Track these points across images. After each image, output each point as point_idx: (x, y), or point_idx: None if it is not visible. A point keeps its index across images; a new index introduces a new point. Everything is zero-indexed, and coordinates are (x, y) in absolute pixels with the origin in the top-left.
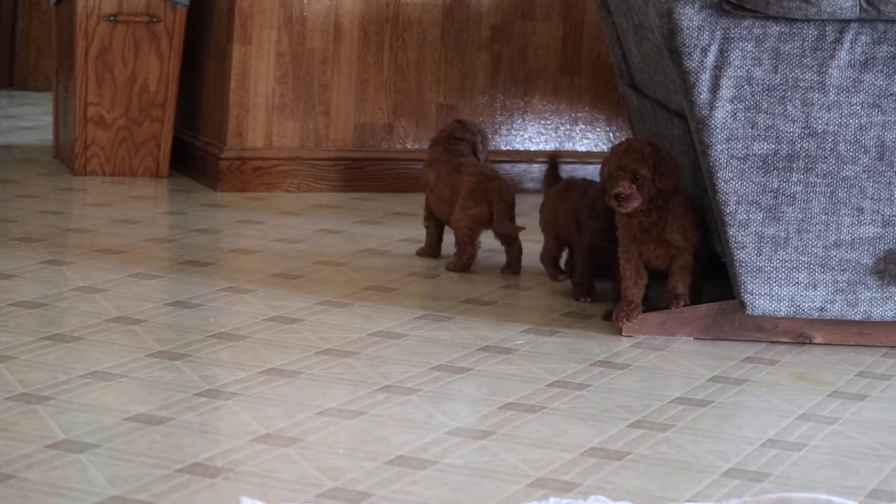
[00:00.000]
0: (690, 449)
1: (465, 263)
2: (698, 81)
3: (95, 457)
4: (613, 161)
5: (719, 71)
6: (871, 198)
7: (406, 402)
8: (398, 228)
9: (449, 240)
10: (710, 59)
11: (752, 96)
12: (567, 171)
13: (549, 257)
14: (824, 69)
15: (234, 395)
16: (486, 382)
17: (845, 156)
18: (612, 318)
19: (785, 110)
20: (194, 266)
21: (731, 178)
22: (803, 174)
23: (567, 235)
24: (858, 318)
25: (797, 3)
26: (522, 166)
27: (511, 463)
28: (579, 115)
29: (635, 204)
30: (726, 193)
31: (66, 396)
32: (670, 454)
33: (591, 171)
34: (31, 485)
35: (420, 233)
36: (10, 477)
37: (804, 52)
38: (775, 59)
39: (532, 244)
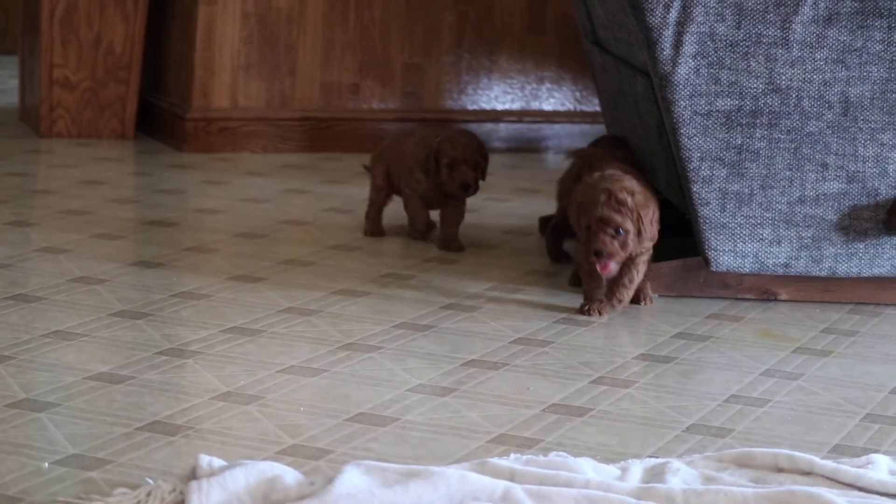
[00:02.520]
0: (653, 405)
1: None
2: (661, 37)
3: (56, 415)
4: (593, 212)
5: (682, 27)
6: (836, 153)
7: (368, 360)
8: (363, 188)
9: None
10: (673, 14)
11: (716, 52)
12: (534, 129)
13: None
14: (788, 24)
15: (195, 353)
16: (449, 340)
17: (809, 112)
18: (584, 312)
19: (748, 66)
20: (159, 226)
21: (695, 135)
22: (767, 130)
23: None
24: (823, 274)
25: None
26: (489, 126)
27: (472, 419)
28: (545, 74)
29: (615, 268)
30: (690, 150)
31: (27, 356)
32: (632, 410)
33: (557, 130)
34: None
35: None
36: None
37: (767, 7)
38: (738, 14)
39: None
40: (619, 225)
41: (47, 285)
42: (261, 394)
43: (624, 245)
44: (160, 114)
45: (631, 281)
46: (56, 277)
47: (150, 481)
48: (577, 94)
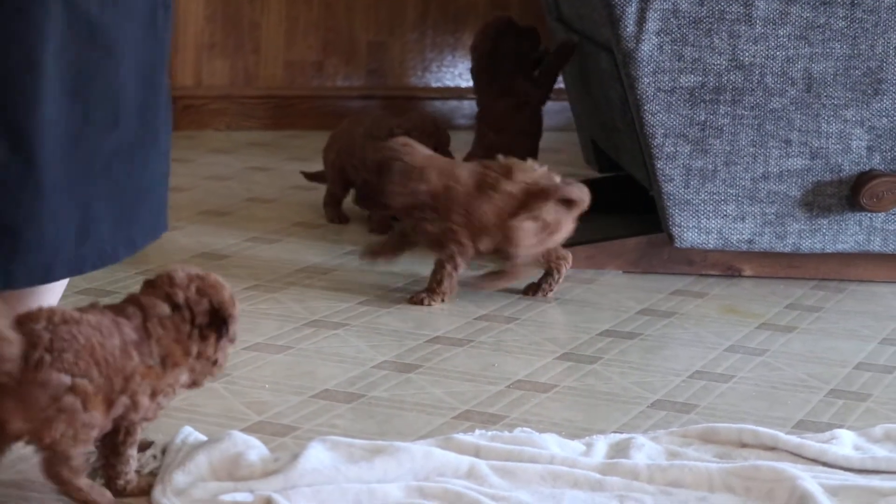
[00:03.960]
0: (618, 381)
1: None
2: (624, 14)
3: None
4: None
5: (645, 3)
6: (799, 130)
7: (333, 337)
8: None
9: None
10: None
11: (679, 29)
12: None
13: None
14: (751, 1)
15: None
16: (414, 316)
17: (773, 88)
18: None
19: (711, 43)
20: None
21: (658, 111)
22: (731, 107)
23: None
24: (787, 250)
25: None
26: (453, 103)
27: (437, 396)
28: None
29: None
30: (653, 126)
31: None
32: (597, 386)
33: None
34: None
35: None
36: None
37: None
38: None
39: None
40: None
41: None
42: (226, 371)
43: None
44: None
45: None
46: None
47: None
48: None
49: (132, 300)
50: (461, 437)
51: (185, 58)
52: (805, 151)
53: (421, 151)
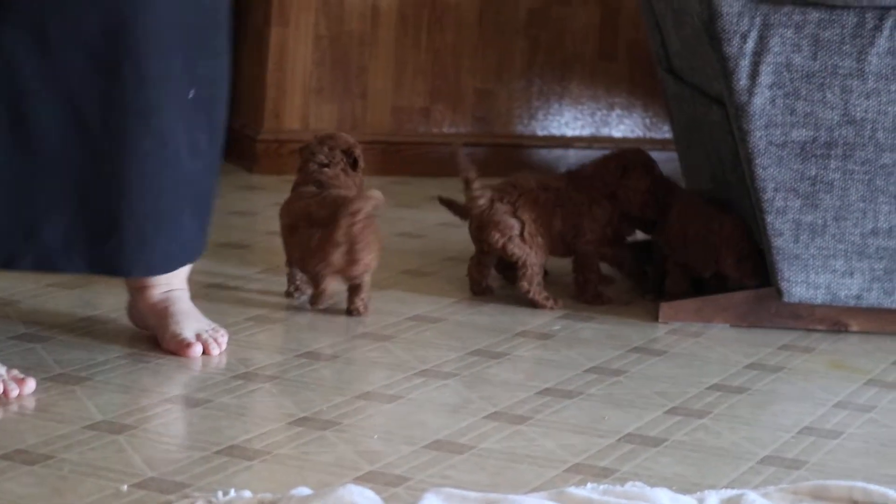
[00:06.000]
0: (727, 436)
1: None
2: (737, 67)
3: (133, 438)
4: None
5: (759, 57)
6: None
7: (443, 387)
8: (434, 212)
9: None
10: (750, 45)
11: (791, 83)
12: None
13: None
14: (863, 56)
15: (271, 378)
16: (523, 367)
17: (884, 143)
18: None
19: (824, 97)
20: (231, 248)
21: (770, 165)
22: (841, 161)
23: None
24: (895, 306)
25: None
26: (558, 152)
27: (548, 448)
28: (616, 100)
29: None
30: (764, 180)
31: (103, 377)
32: (707, 441)
33: None
34: (70, 465)
35: (455, 217)
36: (49, 457)
37: (843, 38)
38: (814, 45)
39: None
40: None
41: (122, 306)
42: (337, 419)
43: None
44: (231, 135)
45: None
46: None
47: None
48: (647, 120)
49: None
50: (574, 490)
51: (292, 101)
52: None
53: None
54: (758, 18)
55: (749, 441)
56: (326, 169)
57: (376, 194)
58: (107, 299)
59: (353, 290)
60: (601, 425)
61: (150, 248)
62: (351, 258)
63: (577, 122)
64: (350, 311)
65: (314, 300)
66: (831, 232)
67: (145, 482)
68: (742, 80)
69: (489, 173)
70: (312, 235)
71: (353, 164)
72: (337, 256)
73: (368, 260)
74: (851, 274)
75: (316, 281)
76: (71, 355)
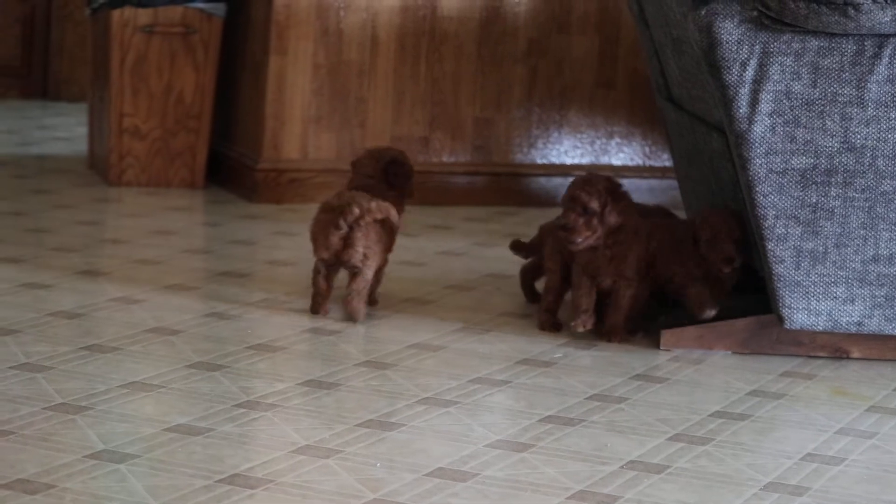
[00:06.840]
0: (730, 462)
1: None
2: (737, 95)
3: (135, 467)
4: (567, 192)
5: (758, 85)
6: None
7: (445, 415)
8: (434, 241)
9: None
10: (750, 73)
11: (791, 110)
12: None
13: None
14: (863, 84)
15: (272, 406)
16: (525, 395)
17: (884, 170)
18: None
19: (824, 125)
20: (231, 277)
21: (770, 193)
22: (842, 189)
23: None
24: None
25: (836, 17)
26: (558, 180)
27: (551, 475)
28: (615, 128)
29: (579, 238)
30: (765, 207)
31: (104, 407)
32: (710, 468)
33: (626, 185)
34: (71, 494)
35: (455, 245)
36: (51, 486)
37: (843, 66)
38: (814, 73)
39: None
40: (585, 203)
41: (122, 336)
42: (339, 447)
43: (589, 224)
44: (230, 164)
45: (618, 307)
46: (130, 328)
47: None
48: (647, 149)
49: None
50: None
51: (291, 131)
52: None
53: None
54: (757, 46)
55: (752, 468)
56: (370, 179)
57: (393, 213)
58: (108, 329)
59: (351, 278)
60: (603, 452)
61: None
62: (348, 242)
63: (577, 151)
64: (345, 301)
65: (314, 305)
66: (832, 259)
67: None
68: (742, 108)
69: (488, 202)
70: (323, 220)
71: (395, 177)
72: (335, 239)
73: (363, 247)
74: (853, 301)
75: (317, 269)
76: (72, 385)
